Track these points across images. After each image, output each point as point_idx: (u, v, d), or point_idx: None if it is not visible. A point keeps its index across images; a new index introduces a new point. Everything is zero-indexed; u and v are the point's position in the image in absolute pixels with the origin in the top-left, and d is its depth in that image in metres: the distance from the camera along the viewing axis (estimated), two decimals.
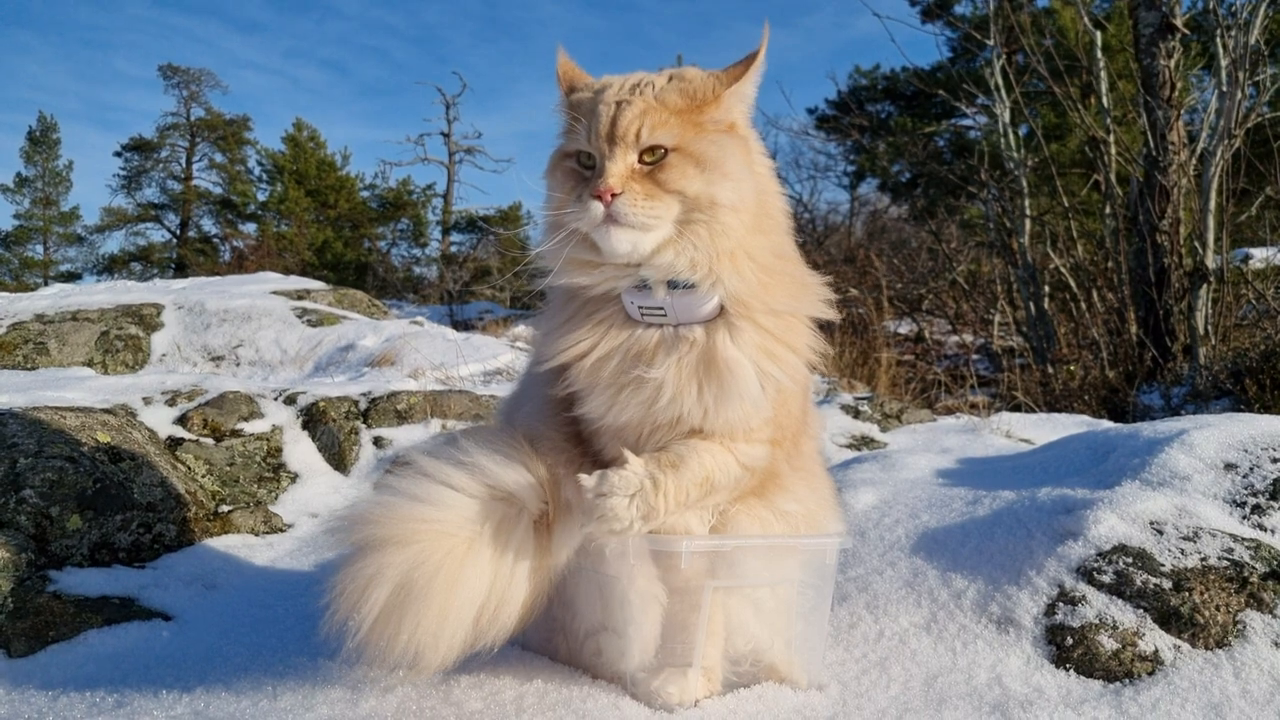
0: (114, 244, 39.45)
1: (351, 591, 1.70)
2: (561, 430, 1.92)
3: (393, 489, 1.83)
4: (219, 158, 39.01)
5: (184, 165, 38.98)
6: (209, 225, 39.48)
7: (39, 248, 39.06)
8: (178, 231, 38.93)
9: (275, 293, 7.49)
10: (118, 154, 38.95)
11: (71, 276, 37.49)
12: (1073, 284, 9.52)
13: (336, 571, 1.75)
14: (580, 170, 1.81)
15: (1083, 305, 9.35)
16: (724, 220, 1.76)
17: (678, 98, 1.78)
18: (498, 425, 2.16)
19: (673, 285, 1.79)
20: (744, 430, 1.85)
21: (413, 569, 1.71)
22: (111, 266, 37.98)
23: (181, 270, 32.91)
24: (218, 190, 38.97)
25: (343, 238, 33.93)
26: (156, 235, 39.22)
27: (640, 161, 1.75)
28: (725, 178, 1.76)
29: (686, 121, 1.77)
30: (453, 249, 34.22)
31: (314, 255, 31.43)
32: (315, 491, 3.68)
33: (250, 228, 37.12)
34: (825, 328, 1.99)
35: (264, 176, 37.29)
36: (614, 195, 1.71)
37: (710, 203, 1.75)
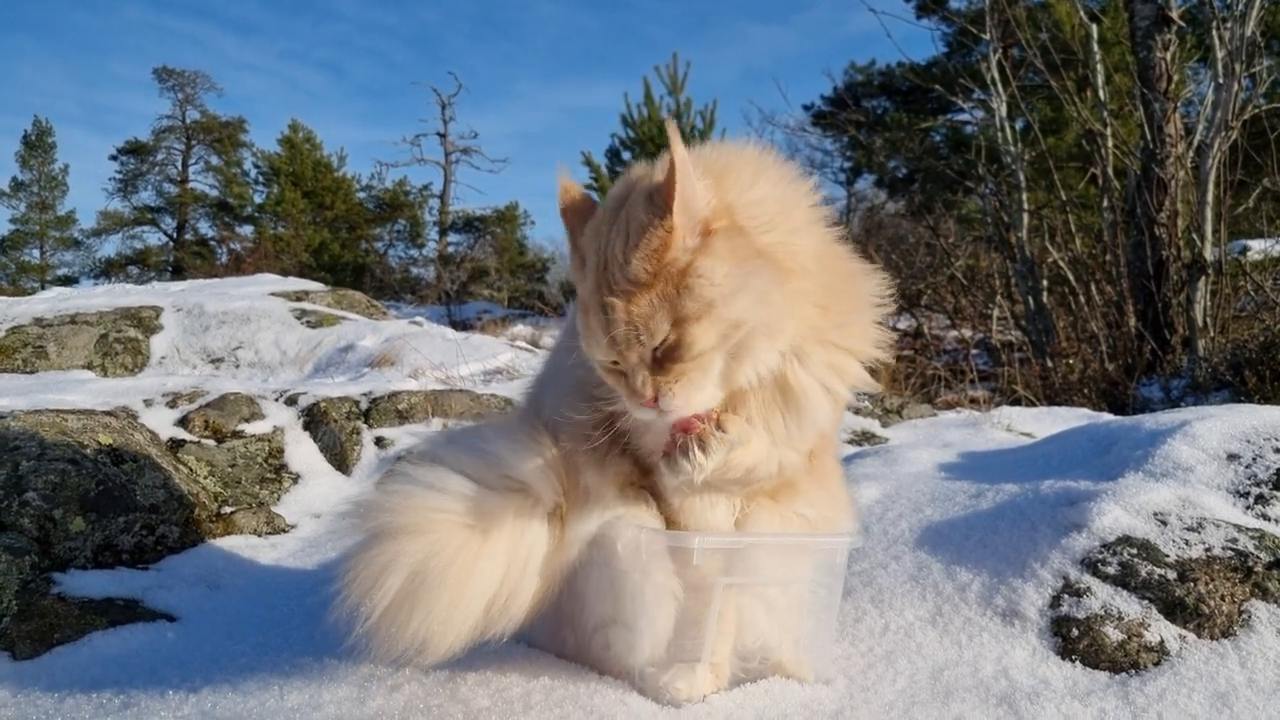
0: (110, 247, 39.45)
1: (365, 578, 1.70)
2: (588, 415, 1.90)
3: (408, 477, 1.82)
4: (215, 160, 39.03)
5: (180, 168, 39.00)
6: (205, 228, 39.53)
7: (35, 252, 39.09)
8: (174, 234, 38.92)
9: (274, 294, 7.48)
10: (113, 157, 38.99)
11: (68, 280, 37.48)
12: (1071, 278, 9.52)
13: (350, 557, 1.74)
14: None
15: (1081, 299, 9.35)
16: (757, 321, 1.63)
17: (644, 266, 1.60)
18: (517, 413, 2.15)
19: None
20: (796, 443, 1.83)
21: (427, 559, 1.71)
22: (108, 270, 37.97)
23: (179, 273, 32.89)
24: (214, 193, 39.01)
25: (340, 239, 33.90)
26: (153, 238, 39.29)
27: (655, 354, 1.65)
28: (729, 301, 1.60)
29: (666, 286, 1.60)
30: (450, 249, 34.24)
31: (311, 257, 31.40)
32: (317, 492, 3.67)
33: (247, 230, 37.13)
34: None
35: (260, 179, 37.28)
36: (656, 401, 1.65)
37: (735, 327, 1.62)
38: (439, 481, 1.80)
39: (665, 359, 1.63)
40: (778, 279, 1.64)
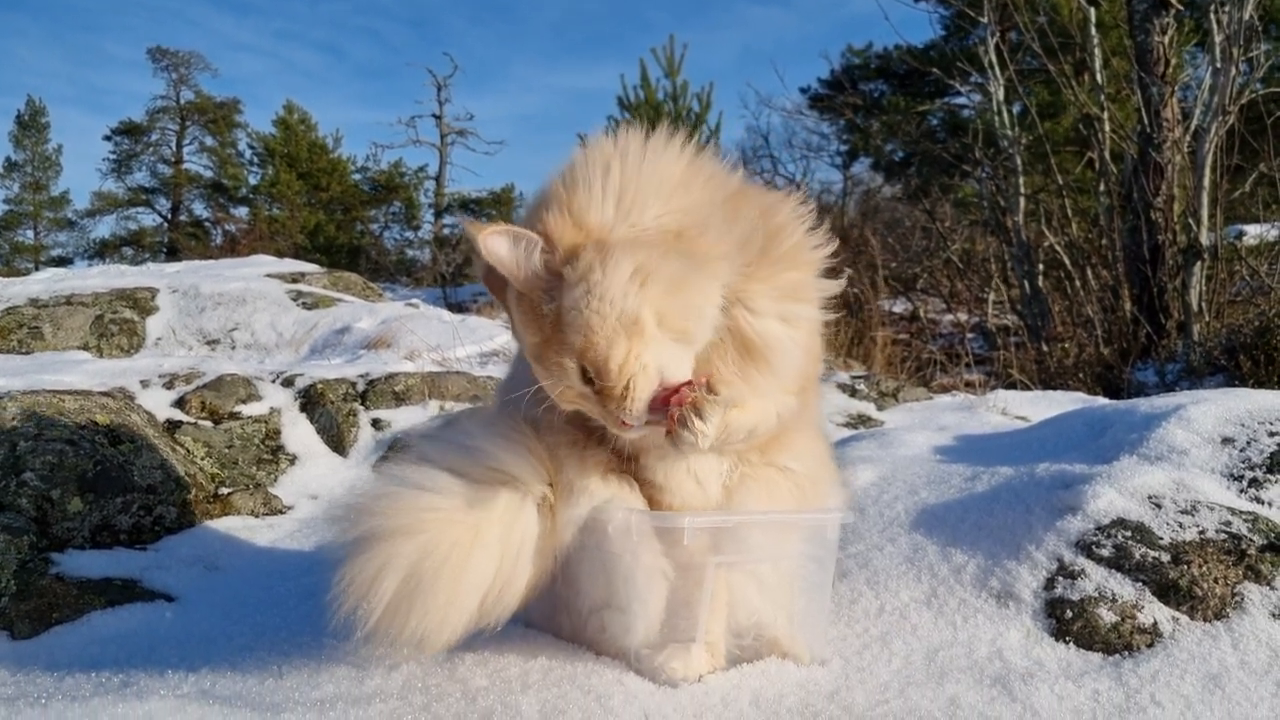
0: (105, 228, 39.41)
1: (361, 582, 1.70)
2: (563, 412, 1.91)
3: (396, 478, 1.82)
4: (209, 141, 38.83)
5: (174, 149, 38.81)
6: (200, 209, 39.39)
7: (29, 232, 38.94)
8: (169, 216, 38.77)
9: (269, 276, 7.47)
10: (107, 138, 38.78)
11: (62, 261, 37.33)
12: (1067, 262, 9.53)
13: (343, 563, 1.74)
14: None
15: (1077, 283, 9.37)
16: (652, 299, 1.63)
17: (530, 328, 1.70)
18: (497, 407, 2.16)
19: None
20: (786, 385, 1.83)
21: (421, 560, 1.71)
22: (103, 251, 37.84)
23: (173, 254, 32.77)
24: (208, 174, 38.86)
25: (335, 221, 33.79)
26: (147, 219, 39.13)
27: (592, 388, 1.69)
28: (603, 310, 1.61)
29: (554, 333, 1.67)
30: (445, 231, 34.13)
31: (306, 239, 31.29)
32: (314, 473, 3.68)
33: (242, 211, 37.03)
34: None
35: (255, 160, 37.18)
36: (624, 422, 1.68)
37: (633, 323, 1.62)
38: (428, 481, 1.80)
39: (601, 385, 1.66)
40: (652, 251, 1.64)
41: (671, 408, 1.69)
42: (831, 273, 1.86)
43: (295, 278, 7.61)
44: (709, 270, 1.68)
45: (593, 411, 1.72)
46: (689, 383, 1.69)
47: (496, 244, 1.64)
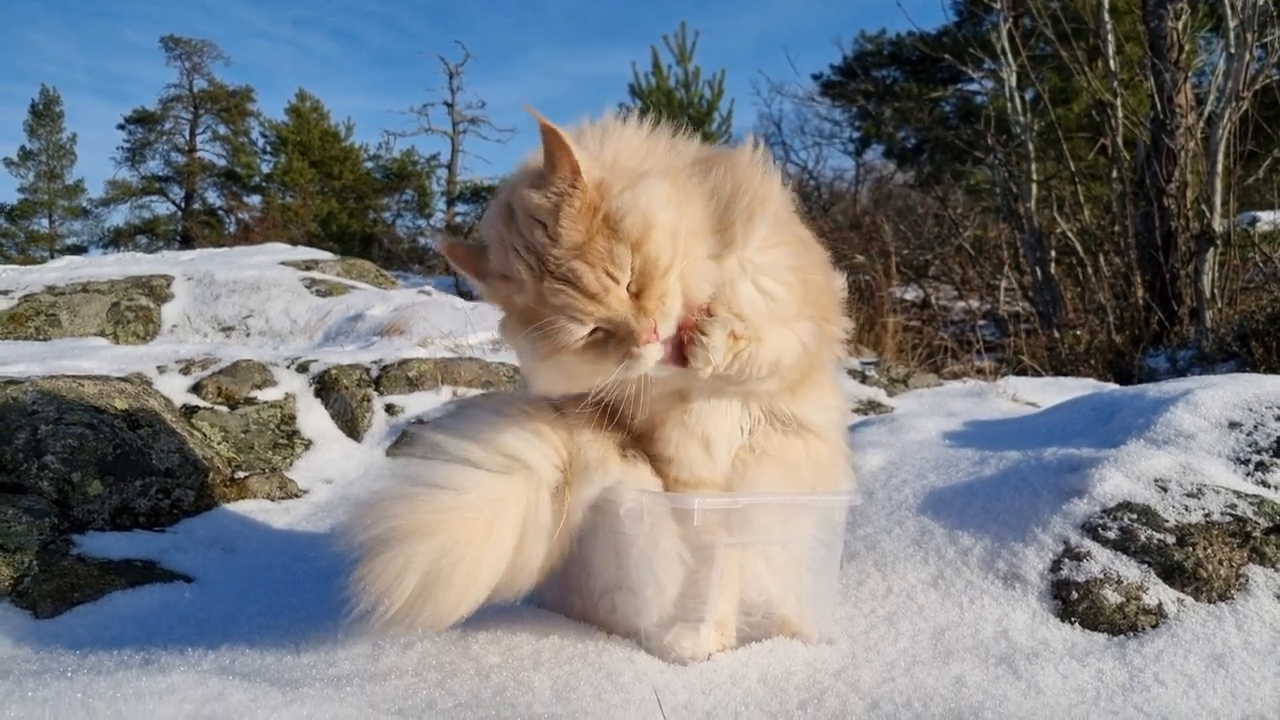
0: (119, 217, 39.43)
1: (382, 581, 1.74)
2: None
3: (411, 476, 1.86)
4: (222, 129, 38.88)
5: (187, 137, 38.87)
6: (214, 197, 39.45)
7: (44, 221, 39.10)
8: (182, 204, 38.87)
9: (283, 263, 7.51)
10: (121, 126, 38.85)
11: (77, 250, 37.51)
12: (1079, 248, 9.50)
13: (363, 561, 1.77)
14: None
15: (1089, 270, 9.34)
16: (684, 224, 1.72)
17: (574, 231, 1.69)
18: (518, 388, 2.19)
19: None
20: (789, 314, 1.84)
21: (439, 559, 1.75)
22: (117, 239, 37.97)
23: (187, 242, 32.90)
24: (222, 162, 38.89)
25: (347, 209, 33.83)
26: (161, 208, 39.22)
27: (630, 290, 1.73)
28: (656, 213, 1.69)
29: (603, 230, 1.70)
30: (458, 220, 34.16)
31: (319, 227, 31.36)
32: (329, 458, 3.72)
33: (255, 200, 37.13)
34: None
35: (268, 148, 37.23)
36: (656, 330, 1.71)
37: (675, 234, 1.70)
38: (443, 479, 1.83)
39: (641, 286, 1.68)
40: (670, 183, 1.72)
41: (683, 334, 1.74)
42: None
43: (309, 265, 7.64)
44: (705, 224, 1.75)
45: (624, 318, 1.69)
46: (690, 313, 1.75)
47: (566, 135, 1.67)
